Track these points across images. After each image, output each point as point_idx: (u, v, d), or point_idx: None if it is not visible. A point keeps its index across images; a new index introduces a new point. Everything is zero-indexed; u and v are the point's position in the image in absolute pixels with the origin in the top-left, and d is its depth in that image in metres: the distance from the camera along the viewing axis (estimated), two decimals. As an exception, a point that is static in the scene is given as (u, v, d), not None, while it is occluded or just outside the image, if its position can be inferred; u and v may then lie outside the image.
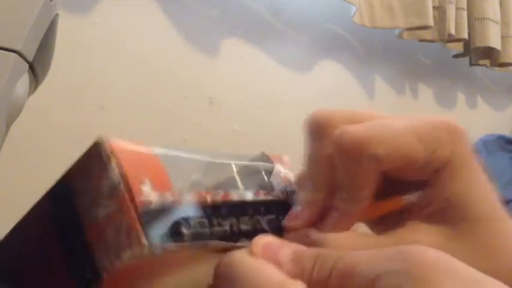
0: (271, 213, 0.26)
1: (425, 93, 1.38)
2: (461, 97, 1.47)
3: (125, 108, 0.87)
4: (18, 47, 0.31)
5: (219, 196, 0.24)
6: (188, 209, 0.22)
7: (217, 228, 0.23)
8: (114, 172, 0.21)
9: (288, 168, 0.29)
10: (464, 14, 1.26)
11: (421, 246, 0.17)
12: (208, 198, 0.24)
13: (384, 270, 0.17)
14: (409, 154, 0.23)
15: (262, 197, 0.26)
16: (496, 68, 1.41)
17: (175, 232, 0.21)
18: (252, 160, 0.29)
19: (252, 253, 0.20)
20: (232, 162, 0.27)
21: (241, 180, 0.26)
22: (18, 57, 0.31)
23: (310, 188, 0.25)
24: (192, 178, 0.24)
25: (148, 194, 0.21)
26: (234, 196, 0.25)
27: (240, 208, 0.25)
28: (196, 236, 0.22)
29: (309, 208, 0.25)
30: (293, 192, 0.27)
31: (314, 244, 0.23)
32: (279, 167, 0.29)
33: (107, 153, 0.22)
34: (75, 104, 0.82)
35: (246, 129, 1.01)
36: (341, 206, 0.24)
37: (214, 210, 0.24)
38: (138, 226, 0.20)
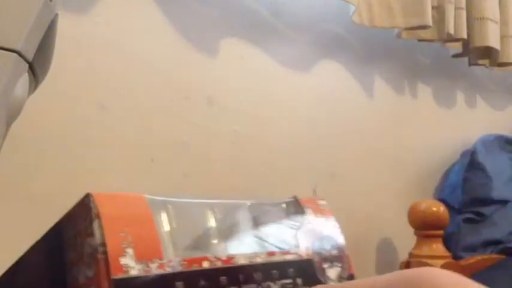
0: (287, 276, 0.22)
1: (425, 92, 1.38)
2: (460, 97, 1.47)
3: (125, 108, 0.87)
4: (18, 47, 0.31)
5: (220, 261, 0.21)
6: (177, 279, 0.20)
7: None
8: (96, 235, 0.20)
9: (322, 215, 0.24)
10: (464, 13, 1.26)
11: (433, 269, 0.17)
12: (205, 265, 0.21)
13: None
14: None
15: (277, 257, 0.22)
16: (496, 68, 1.41)
17: None
18: (280, 205, 0.25)
19: None
20: (252, 210, 0.22)
21: (258, 233, 0.22)
22: (18, 57, 0.31)
23: None
24: (203, 226, 0.21)
25: (129, 265, 0.19)
26: (240, 259, 0.21)
27: (246, 273, 0.21)
28: None
29: None
30: (321, 249, 0.23)
31: None
32: (309, 217, 0.24)
33: (93, 211, 0.20)
34: (75, 104, 0.82)
35: (246, 129, 1.01)
36: None
37: (210, 280, 0.21)
38: None
